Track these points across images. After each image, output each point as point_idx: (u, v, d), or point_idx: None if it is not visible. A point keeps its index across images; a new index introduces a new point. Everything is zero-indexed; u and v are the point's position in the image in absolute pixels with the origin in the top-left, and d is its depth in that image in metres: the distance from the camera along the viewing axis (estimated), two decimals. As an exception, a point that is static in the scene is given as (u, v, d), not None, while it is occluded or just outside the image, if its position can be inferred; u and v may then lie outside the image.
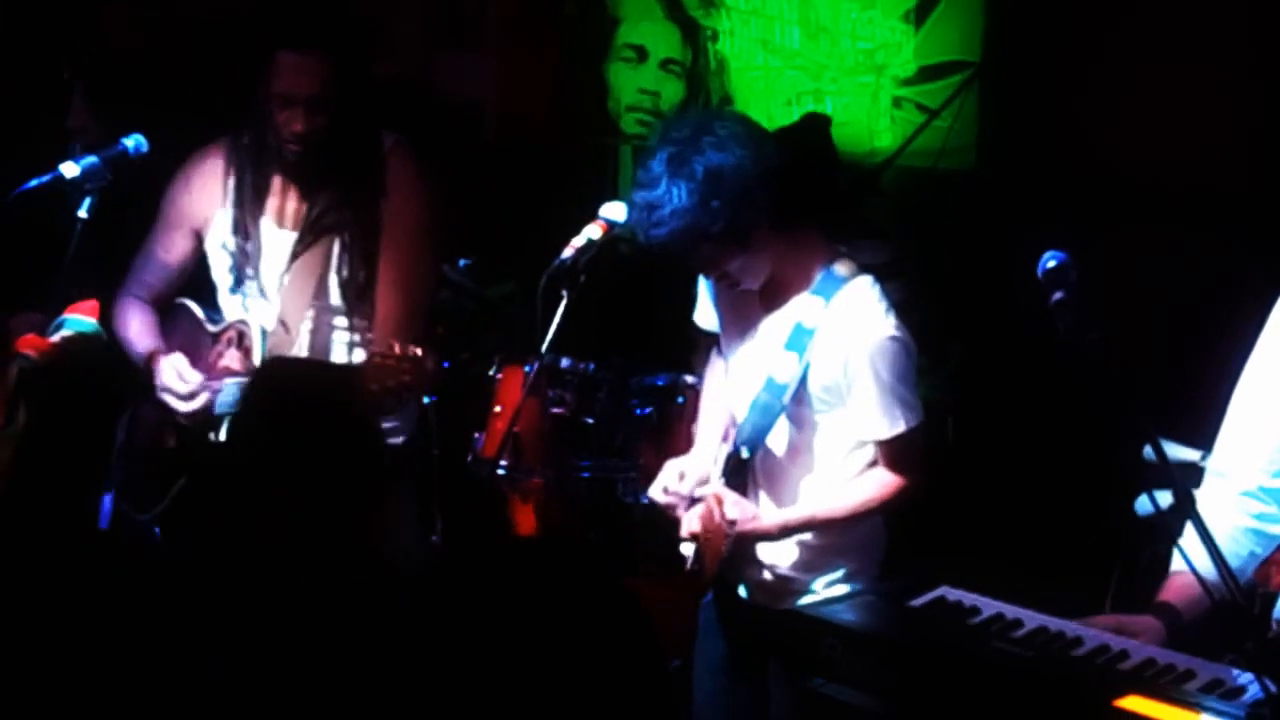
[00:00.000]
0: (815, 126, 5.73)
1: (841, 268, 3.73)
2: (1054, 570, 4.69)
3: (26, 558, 3.69)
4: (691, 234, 3.57)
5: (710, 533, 3.72)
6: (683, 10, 6.96)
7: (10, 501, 4.10)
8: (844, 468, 3.77)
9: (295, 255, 4.23)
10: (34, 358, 4.05)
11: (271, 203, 4.27)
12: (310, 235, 4.21)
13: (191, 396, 4.22)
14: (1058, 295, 3.09)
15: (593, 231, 3.90)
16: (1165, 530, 3.45)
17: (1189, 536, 3.10)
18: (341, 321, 4.22)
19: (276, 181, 4.25)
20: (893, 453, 3.70)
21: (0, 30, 5.19)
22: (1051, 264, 3.12)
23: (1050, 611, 3.21)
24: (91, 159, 4.11)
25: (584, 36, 7.25)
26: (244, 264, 4.28)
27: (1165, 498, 3.16)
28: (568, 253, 3.87)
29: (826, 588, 3.79)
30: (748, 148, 3.59)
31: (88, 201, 4.07)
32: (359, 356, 4.21)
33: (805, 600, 3.77)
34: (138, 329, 4.36)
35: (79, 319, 4.20)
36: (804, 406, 3.73)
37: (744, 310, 3.85)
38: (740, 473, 3.77)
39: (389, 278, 4.17)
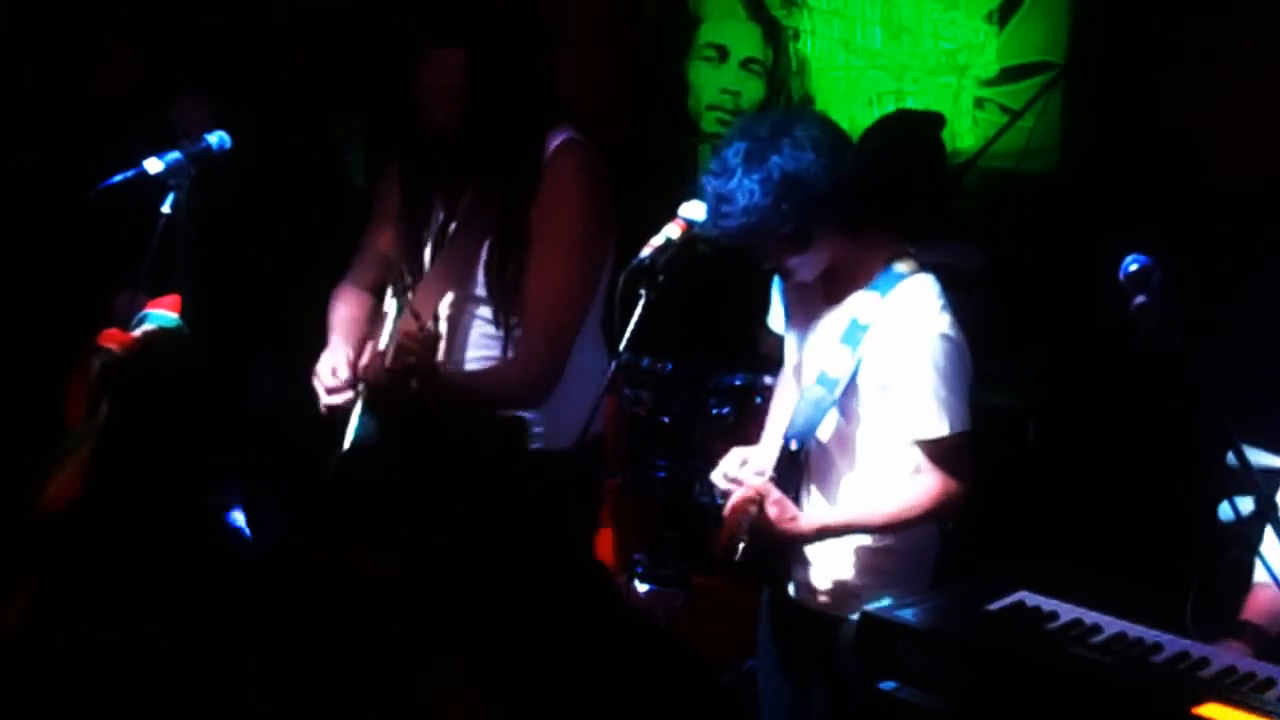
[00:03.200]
0: (931, 122, 5.66)
1: (902, 265, 3.73)
2: (1134, 576, 4.66)
3: (105, 551, 3.74)
4: (758, 232, 3.61)
5: (733, 514, 3.73)
6: (764, 10, 6.95)
7: (91, 495, 4.16)
8: (886, 467, 3.75)
9: (440, 245, 4.24)
10: (115, 352, 4.11)
11: (436, 194, 4.29)
12: (452, 227, 4.22)
13: (334, 391, 4.25)
14: (1140, 299, 3.08)
15: (672, 231, 3.91)
16: (1246, 537, 3.43)
17: (1270, 544, 3.08)
18: (485, 313, 4.20)
19: (443, 174, 4.27)
20: (935, 456, 3.68)
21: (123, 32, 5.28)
22: (1134, 267, 3.11)
23: (1130, 618, 3.19)
24: (175, 154, 4.16)
25: (665, 35, 7.25)
26: (404, 252, 4.31)
27: (1247, 504, 3.14)
28: (646, 252, 3.88)
29: (875, 590, 3.76)
30: (826, 154, 3.59)
31: (171, 197, 4.12)
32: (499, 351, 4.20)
33: (844, 605, 3.78)
34: (337, 317, 4.40)
35: (161, 314, 4.25)
36: (853, 401, 3.73)
37: (809, 306, 3.87)
38: (793, 466, 3.78)
39: (533, 286, 4.14)
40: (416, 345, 3.84)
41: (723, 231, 3.64)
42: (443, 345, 4.07)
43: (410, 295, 4.23)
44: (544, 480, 4.11)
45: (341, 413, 4.26)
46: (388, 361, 3.88)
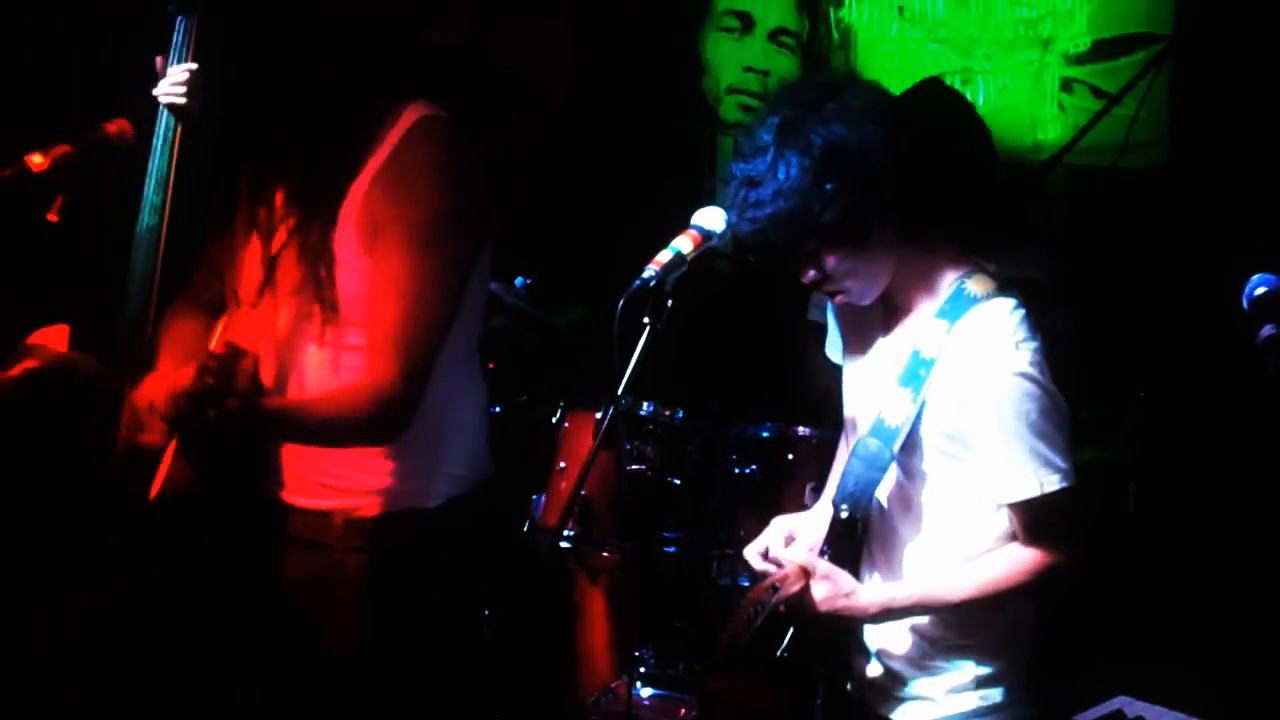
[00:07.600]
0: (947, 98, 5.68)
1: (976, 285, 3.70)
2: (1261, 675, 4.65)
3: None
4: (796, 221, 3.56)
5: (748, 601, 3.72)
6: (800, -31, 7.00)
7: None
8: (963, 538, 3.73)
9: (269, 250, 4.17)
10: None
11: (255, 188, 4.23)
12: (274, 224, 4.12)
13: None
14: (1269, 330, 3.07)
15: (683, 244, 3.89)
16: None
17: None
18: (325, 333, 4.13)
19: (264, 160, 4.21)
20: (1028, 521, 3.65)
21: None
22: (1261, 290, 3.10)
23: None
24: (64, 147, 4.14)
25: (676, 0, 7.28)
26: (220, 258, 4.26)
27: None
28: (651, 270, 3.86)
29: (952, 693, 3.75)
30: (881, 125, 3.57)
31: (60, 200, 4.11)
32: (344, 376, 4.13)
33: (925, 707, 3.77)
34: (165, 337, 4.36)
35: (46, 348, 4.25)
36: (915, 455, 3.71)
37: (866, 332, 3.85)
38: (849, 538, 3.76)
39: (375, 289, 4.08)
40: (216, 364, 3.80)
41: (753, 230, 3.60)
42: (258, 366, 4.04)
43: (236, 310, 4.19)
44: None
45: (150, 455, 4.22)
46: (185, 384, 3.85)
